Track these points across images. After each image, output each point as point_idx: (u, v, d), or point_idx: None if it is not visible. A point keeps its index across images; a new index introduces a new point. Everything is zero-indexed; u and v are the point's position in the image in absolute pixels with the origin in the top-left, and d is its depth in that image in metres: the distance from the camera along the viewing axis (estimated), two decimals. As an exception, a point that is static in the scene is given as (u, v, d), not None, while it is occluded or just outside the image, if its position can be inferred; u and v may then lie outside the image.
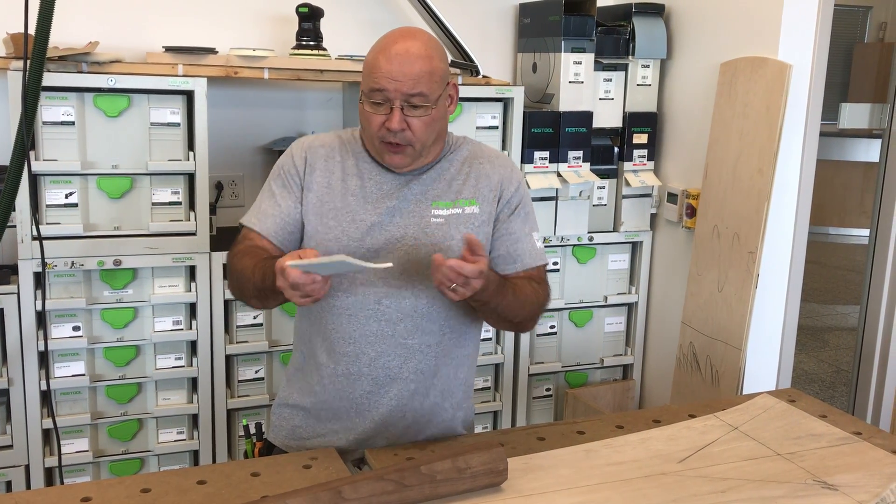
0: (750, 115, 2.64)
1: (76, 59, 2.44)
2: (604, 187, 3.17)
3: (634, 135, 3.16)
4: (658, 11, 3.12)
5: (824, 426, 1.74)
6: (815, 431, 1.72)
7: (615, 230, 3.22)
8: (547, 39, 3.06)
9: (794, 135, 2.63)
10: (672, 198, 3.11)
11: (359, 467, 1.65)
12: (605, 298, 3.24)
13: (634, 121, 3.15)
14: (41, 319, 2.46)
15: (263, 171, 3.01)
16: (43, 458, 2.54)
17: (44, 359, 2.50)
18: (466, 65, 2.92)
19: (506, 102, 2.90)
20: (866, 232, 3.13)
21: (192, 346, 2.66)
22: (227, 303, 2.66)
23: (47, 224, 2.44)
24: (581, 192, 3.09)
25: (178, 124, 2.53)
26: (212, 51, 2.63)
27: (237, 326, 2.69)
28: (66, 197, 2.46)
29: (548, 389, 3.24)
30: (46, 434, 2.54)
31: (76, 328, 2.53)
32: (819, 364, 4.91)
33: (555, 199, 3.05)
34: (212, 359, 2.66)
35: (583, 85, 3.03)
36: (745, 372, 2.61)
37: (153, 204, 2.54)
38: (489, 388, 3.11)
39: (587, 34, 3.00)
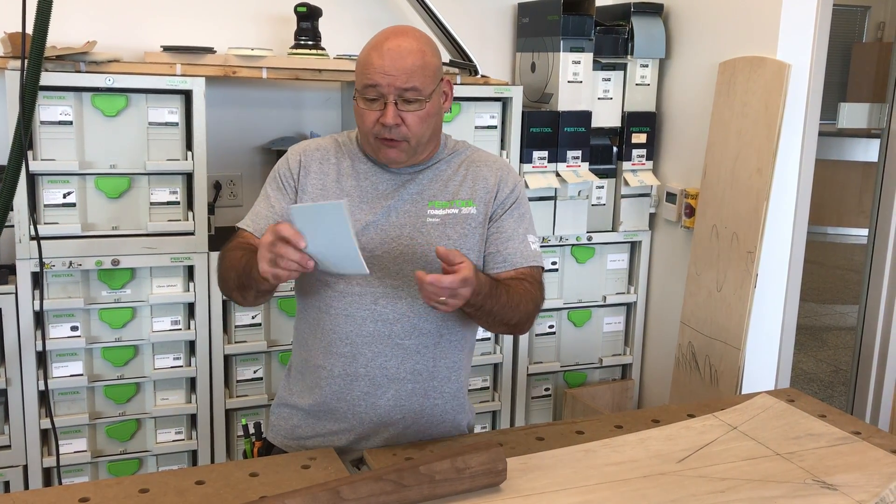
0: (749, 115, 2.64)
1: (74, 59, 2.44)
2: (602, 187, 3.17)
3: (633, 134, 3.16)
4: (657, 11, 3.12)
5: (823, 426, 1.74)
6: (814, 431, 1.72)
7: (614, 230, 3.22)
8: (546, 39, 3.05)
9: (792, 134, 2.63)
10: (671, 197, 3.11)
11: (357, 467, 1.65)
12: (604, 298, 3.24)
13: (633, 120, 3.15)
14: (39, 319, 2.46)
15: (262, 170, 3.00)
16: (41, 459, 2.53)
17: (42, 359, 2.49)
18: (465, 64, 2.92)
19: (504, 102, 2.90)
20: (865, 231, 3.13)
21: (191, 346, 2.66)
22: (225, 303, 2.66)
23: (45, 224, 2.44)
24: (580, 191, 3.09)
25: (177, 124, 2.53)
26: (210, 50, 2.62)
27: (235, 326, 2.69)
28: (64, 197, 2.46)
29: (547, 389, 3.24)
30: (44, 434, 2.54)
31: (74, 328, 2.52)
32: (818, 364, 4.91)
33: (553, 198, 3.05)
34: (210, 359, 2.66)
35: (581, 84, 3.03)
36: (744, 371, 2.61)
37: (151, 204, 2.54)
38: (488, 387, 3.11)
39: (586, 34, 3.00)
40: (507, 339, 3.06)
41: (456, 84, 2.83)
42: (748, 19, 2.72)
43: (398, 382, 1.69)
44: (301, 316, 1.78)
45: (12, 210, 2.33)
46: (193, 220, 2.56)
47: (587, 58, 3.02)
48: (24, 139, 2.21)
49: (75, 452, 2.59)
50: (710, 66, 2.87)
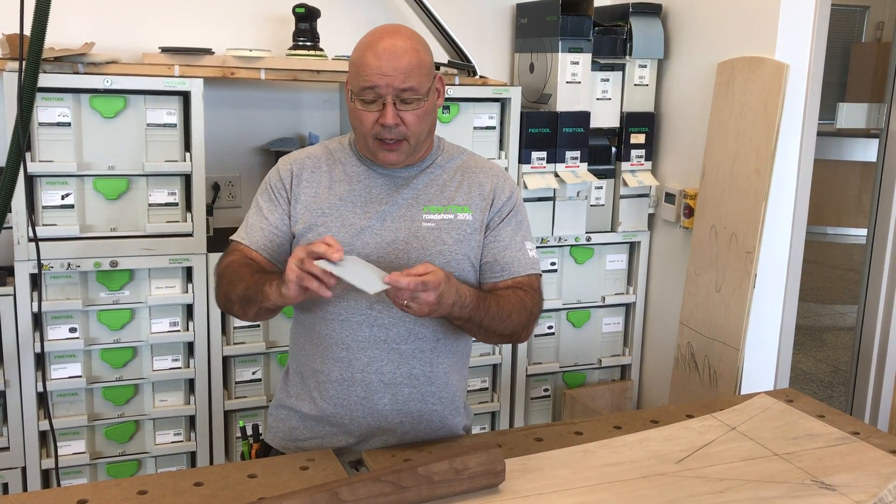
0: (747, 115, 2.64)
1: (72, 60, 2.44)
2: (601, 187, 3.17)
3: (632, 135, 3.16)
4: (655, 11, 3.12)
5: (822, 426, 1.74)
6: (813, 431, 1.72)
7: (613, 230, 3.22)
8: (544, 39, 3.05)
9: (791, 134, 2.63)
10: (670, 198, 3.11)
11: (356, 469, 1.64)
12: (603, 299, 3.24)
13: (632, 121, 3.15)
14: (38, 321, 2.46)
15: (260, 171, 3.00)
16: (40, 460, 2.53)
17: (40, 360, 2.49)
18: (463, 65, 2.92)
19: (503, 103, 2.90)
20: (864, 231, 3.13)
21: (189, 348, 2.66)
22: (224, 304, 2.66)
23: (43, 225, 2.44)
24: (578, 192, 3.08)
25: (175, 125, 2.53)
26: (208, 51, 2.62)
27: (234, 328, 2.69)
28: (63, 198, 2.46)
29: (546, 390, 3.24)
30: (43, 436, 2.53)
31: (73, 330, 2.52)
32: (817, 364, 4.91)
33: (552, 199, 3.05)
34: (209, 360, 2.66)
35: (580, 85, 3.03)
36: (743, 372, 2.61)
37: (150, 205, 2.54)
38: (487, 388, 3.11)
39: (584, 34, 3.00)
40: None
41: (454, 85, 2.83)
42: (747, 19, 2.72)
43: (395, 387, 1.69)
44: (298, 320, 1.79)
45: (10, 212, 2.33)
46: (192, 221, 2.55)
47: (586, 58, 3.02)
48: (22, 141, 2.21)
49: (74, 454, 2.59)
50: (709, 67, 2.87)
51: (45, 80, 2.32)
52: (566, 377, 3.27)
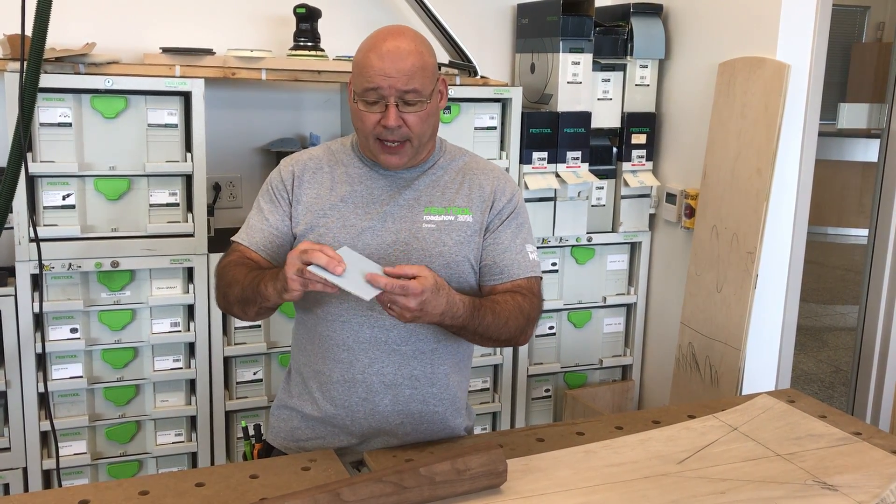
0: (748, 116, 2.64)
1: (73, 61, 2.44)
2: (602, 188, 3.16)
3: (633, 135, 3.16)
4: (656, 11, 3.12)
5: (824, 426, 1.74)
6: (815, 432, 1.72)
7: (614, 231, 3.22)
8: (545, 40, 3.05)
9: (792, 135, 2.63)
10: (671, 198, 3.11)
11: (358, 469, 1.64)
12: (604, 299, 3.24)
13: (633, 121, 3.15)
14: (39, 321, 2.46)
15: (261, 172, 3.00)
16: (41, 461, 2.53)
17: (41, 361, 2.49)
18: (464, 65, 2.92)
19: (504, 103, 2.90)
20: (865, 232, 3.13)
21: (191, 348, 2.66)
22: (225, 304, 2.66)
23: (45, 226, 2.44)
24: (579, 192, 3.08)
25: (176, 125, 2.53)
26: (209, 52, 2.62)
27: (235, 328, 2.69)
28: (64, 198, 2.46)
29: (547, 390, 3.24)
30: (44, 436, 2.53)
31: (74, 330, 2.52)
32: (818, 364, 4.91)
33: (553, 199, 3.05)
34: (210, 360, 2.66)
35: (581, 85, 3.03)
36: (745, 372, 2.61)
37: (151, 205, 2.54)
38: (488, 389, 3.11)
39: (585, 34, 3.00)
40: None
41: (455, 85, 2.83)
42: (748, 20, 2.71)
43: (396, 388, 1.69)
44: (299, 321, 1.78)
45: (12, 212, 2.33)
46: (193, 221, 2.55)
47: (587, 58, 3.02)
48: (23, 141, 2.20)
49: (75, 454, 2.59)
50: (710, 67, 2.87)
51: (46, 80, 2.32)
52: (567, 377, 3.27)
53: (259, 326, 2.71)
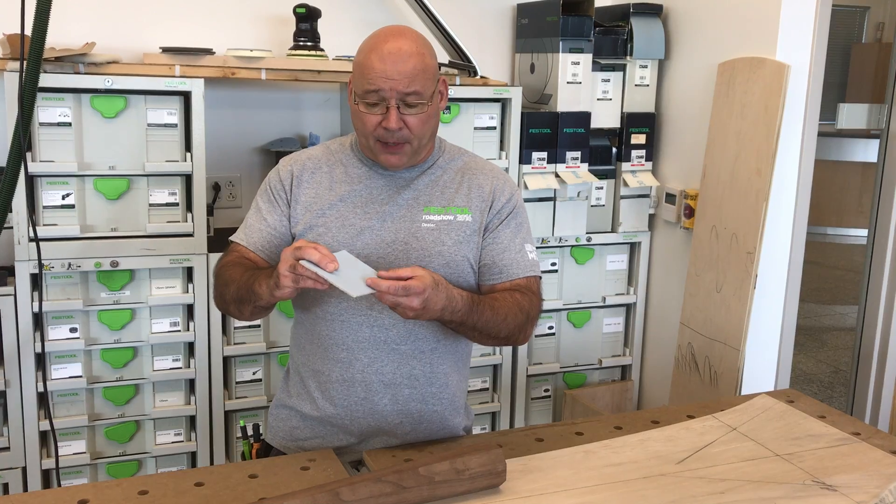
0: (748, 116, 2.64)
1: (73, 60, 2.44)
2: (602, 188, 3.16)
3: (632, 135, 3.16)
4: (656, 12, 3.12)
5: (823, 427, 1.74)
6: (814, 432, 1.72)
7: (613, 231, 3.22)
8: (545, 40, 3.05)
9: (792, 135, 2.63)
10: (670, 198, 3.11)
11: (357, 469, 1.64)
12: (604, 299, 3.24)
13: (632, 121, 3.15)
14: (38, 321, 2.46)
15: (261, 171, 3.00)
16: (40, 460, 2.53)
17: (41, 360, 2.49)
18: (464, 65, 2.92)
19: (504, 103, 2.90)
20: (864, 232, 3.13)
21: (190, 348, 2.66)
22: (224, 304, 2.65)
23: (44, 225, 2.44)
24: (579, 192, 3.08)
25: (176, 125, 2.52)
26: (209, 51, 2.62)
27: (235, 328, 2.69)
28: (63, 198, 2.46)
29: (546, 390, 3.24)
30: (44, 436, 2.53)
31: (73, 330, 2.52)
32: (817, 364, 4.91)
33: (553, 199, 3.05)
34: (209, 360, 2.66)
35: (581, 85, 3.03)
36: (744, 372, 2.61)
37: (150, 205, 2.54)
38: (487, 389, 3.11)
39: (585, 35, 3.00)
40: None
41: (455, 85, 2.83)
42: (747, 20, 2.72)
43: (395, 387, 1.69)
44: (298, 321, 1.78)
45: (11, 212, 2.33)
46: (192, 221, 2.55)
47: (586, 59, 3.02)
48: (23, 141, 2.20)
49: (74, 454, 2.59)
50: (710, 67, 2.87)
51: (45, 80, 2.32)
52: (567, 377, 3.27)
53: (258, 326, 2.71)
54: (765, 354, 2.77)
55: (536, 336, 3.17)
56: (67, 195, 2.46)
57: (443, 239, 1.68)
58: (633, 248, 3.28)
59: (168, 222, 2.56)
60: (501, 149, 2.92)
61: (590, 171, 3.07)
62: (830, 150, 7.49)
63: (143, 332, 2.60)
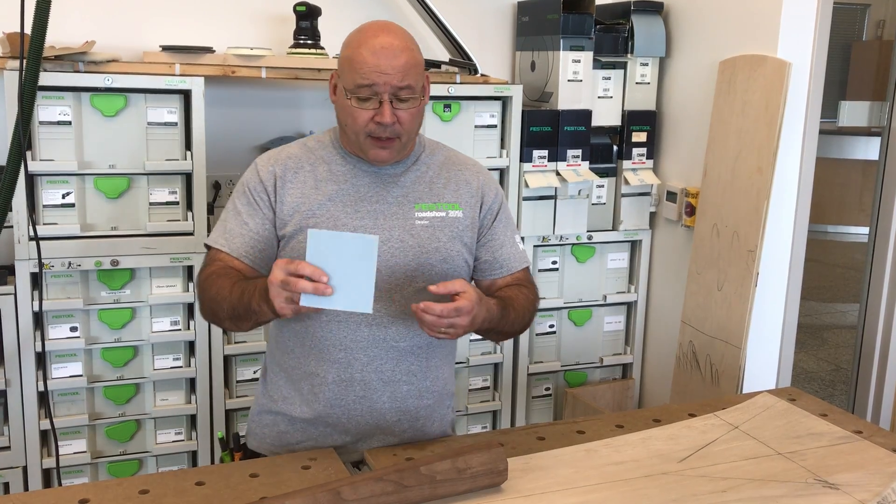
0: (749, 114, 2.64)
1: (73, 59, 2.43)
2: (603, 186, 3.16)
3: (633, 133, 3.15)
4: (657, 9, 3.11)
5: (825, 425, 1.74)
6: (816, 430, 1.71)
7: (614, 229, 3.22)
8: (545, 38, 3.05)
9: (793, 133, 2.62)
10: (671, 196, 3.11)
11: (358, 468, 1.64)
12: (605, 297, 3.24)
13: (633, 119, 3.15)
14: (38, 320, 2.46)
15: (261, 170, 2.99)
16: (41, 460, 2.53)
17: (41, 360, 2.49)
18: (465, 63, 2.92)
19: (504, 101, 2.89)
20: (866, 230, 3.13)
21: (190, 347, 2.66)
22: (225, 303, 2.65)
23: (44, 224, 2.44)
24: (580, 190, 3.08)
25: (176, 124, 2.52)
26: (209, 50, 2.62)
27: (235, 326, 2.68)
28: (63, 197, 2.45)
29: (547, 389, 3.24)
30: (44, 435, 2.53)
31: (73, 329, 2.52)
32: (819, 362, 4.90)
33: (554, 197, 3.05)
34: (210, 359, 2.66)
35: (581, 83, 3.03)
36: (745, 370, 2.61)
37: (150, 204, 2.54)
38: (488, 387, 3.11)
39: (586, 32, 2.99)
40: (508, 339, 3.06)
41: (455, 83, 2.83)
42: (748, 17, 2.71)
43: (393, 384, 1.69)
44: (282, 323, 1.72)
45: (11, 210, 2.33)
46: (193, 220, 2.55)
47: (587, 56, 3.02)
48: (22, 139, 2.20)
49: (75, 453, 2.58)
50: (711, 65, 2.87)
51: (45, 78, 2.31)
52: (567, 376, 3.26)
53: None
54: (766, 352, 2.76)
55: (537, 334, 3.16)
56: (67, 194, 2.45)
57: (438, 235, 1.69)
58: (634, 246, 3.28)
59: (168, 221, 2.56)
60: (502, 147, 2.92)
61: (591, 169, 3.07)
62: (831, 148, 7.47)
63: (143, 331, 2.60)
